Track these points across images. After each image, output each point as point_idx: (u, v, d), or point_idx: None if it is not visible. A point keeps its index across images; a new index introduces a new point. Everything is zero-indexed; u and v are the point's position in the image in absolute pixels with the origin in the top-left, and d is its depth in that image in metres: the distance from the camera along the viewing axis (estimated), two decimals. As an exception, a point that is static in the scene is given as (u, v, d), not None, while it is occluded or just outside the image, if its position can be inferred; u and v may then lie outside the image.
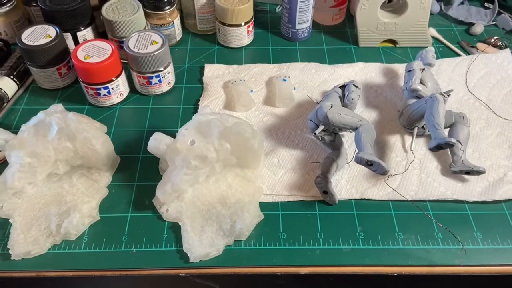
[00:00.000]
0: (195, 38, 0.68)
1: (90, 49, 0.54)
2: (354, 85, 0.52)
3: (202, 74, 0.62)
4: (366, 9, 0.62)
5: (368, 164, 0.42)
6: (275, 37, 0.68)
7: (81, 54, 0.53)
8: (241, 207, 0.45)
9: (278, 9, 0.73)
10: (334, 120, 0.47)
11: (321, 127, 0.48)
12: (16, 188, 0.44)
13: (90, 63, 0.52)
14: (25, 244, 0.43)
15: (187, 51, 0.66)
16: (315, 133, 0.48)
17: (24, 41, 0.54)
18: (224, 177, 0.49)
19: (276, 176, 0.50)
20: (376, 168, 0.42)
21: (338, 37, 0.68)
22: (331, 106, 0.48)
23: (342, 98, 0.52)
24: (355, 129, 0.47)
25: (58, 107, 0.49)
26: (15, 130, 0.54)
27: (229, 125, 0.47)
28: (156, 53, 0.54)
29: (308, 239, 0.45)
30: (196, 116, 0.48)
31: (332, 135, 0.50)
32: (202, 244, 0.43)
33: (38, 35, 0.55)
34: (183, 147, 0.46)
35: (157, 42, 0.55)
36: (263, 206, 0.47)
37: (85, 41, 0.55)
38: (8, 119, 0.56)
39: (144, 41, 0.55)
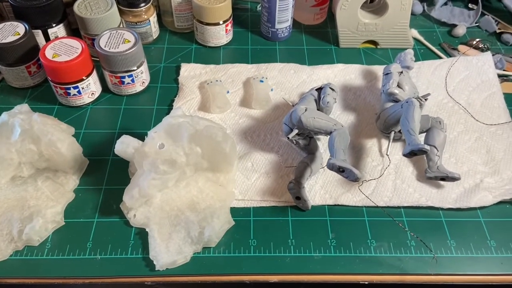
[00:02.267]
0: (172, 36, 0.66)
1: (59, 47, 0.52)
2: (330, 88, 0.51)
3: (178, 73, 0.60)
4: (346, 9, 0.60)
5: (340, 170, 0.41)
6: (255, 36, 0.67)
7: (49, 52, 0.51)
8: (211, 212, 0.44)
9: (258, 7, 0.72)
10: (308, 124, 0.46)
11: (295, 131, 0.47)
12: None
13: (58, 61, 0.50)
14: (-16, 249, 0.42)
15: (163, 50, 0.64)
16: (288, 137, 0.46)
17: (-9, 38, 0.52)
18: (195, 181, 0.47)
19: (249, 180, 0.49)
20: (348, 174, 0.41)
21: (319, 37, 0.67)
22: (306, 110, 0.47)
23: (318, 101, 0.51)
24: (329, 133, 0.46)
25: (23, 107, 0.47)
26: (-19, 130, 0.52)
27: (200, 128, 0.45)
28: (128, 52, 0.52)
29: (279, 246, 0.43)
30: (167, 118, 0.47)
31: (307, 139, 0.49)
32: (169, 252, 0.42)
33: (7, 32, 0.53)
34: (151, 150, 0.44)
35: (129, 41, 0.53)
36: (235, 211, 0.46)
37: (55, 38, 0.53)
38: (-26, 119, 0.54)
39: (116, 40, 0.53)
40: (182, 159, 0.44)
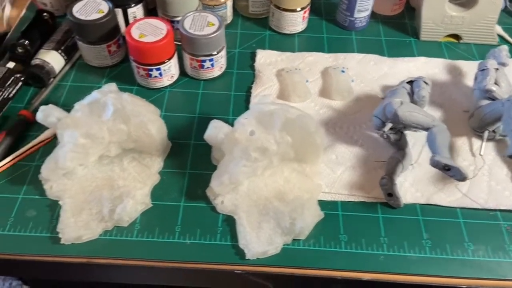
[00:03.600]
0: (245, 21, 0.65)
1: (145, 27, 0.51)
2: (424, 81, 0.49)
3: (253, 60, 0.59)
4: (434, 0, 0.58)
5: (445, 168, 0.40)
6: (329, 24, 0.65)
7: (135, 32, 0.50)
8: (301, 204, 0.43)
9: (332, -5, 0.69)
10: (404, 118, 0.44)
11: (389, 125, 0.45)
12: (68, 168, 0.42)
13: (145, 42, 0.49)
14: (76, 228, 0.41)
15: (237, 35, 0.63)
16: (383, 131, 0.45)
17: (76, 14, 0.52)
18: (281, 171, 0.46)
19: (335, 173, 0.47)
20: (454, 173, 0.39)
21: (397, 29, 0.64)
22: (401, 103, 0.45)
23: (411, 94, 0.49)
24: (426, 129, 0.44)
25: (111, 86, 0.47)
26: (62, 107, 0.52)
27: (292, 117, 0.44)
28: (212, 35, 0.51)
29: (371, 243, 0.42)
30: (257, 105, 0.45)
31: (398, 133, 0.47)
32: (259, 241, 0.41)
33: (90, 9, 0.52)
34: (242, 137, 0.43)
35: (213, 24, 0.52)
36: (322, 204, 0.45)
37: (139, 18, 0.52)
38: (55, 96, 0.54)
39: (200, 22, 0.52)
40: (273, 147, 0.43)
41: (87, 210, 0.43)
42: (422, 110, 0.45)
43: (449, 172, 0.40)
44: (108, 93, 0.45)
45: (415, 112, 0.44)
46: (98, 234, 0.42)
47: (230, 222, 0.43)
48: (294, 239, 0.42)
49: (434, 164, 0.40)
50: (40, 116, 0.44)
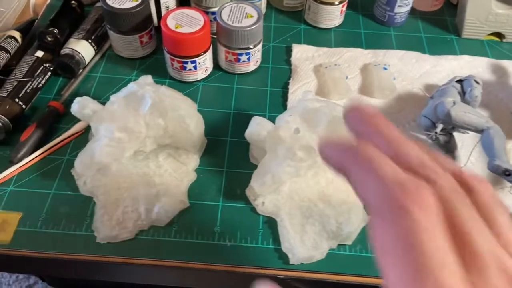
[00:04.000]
0: (279, 14, 0.62)
1: (181, 18, 0.49)
2: (475, 80, 0.46)
3: (288, 54, 0.57)
4: (481, -4, 0.55)
5: (506, 174, 0.37)
6: (366, 19, 0.62)
7: (171, 22, 0.48)
8: (348, 208, 0.41)
9: (368, -11, 0.67)
10: (457, 119, 0.42)
11: (440, 126, 0.43)
12: (103, 164, 0.40)
13: (182, 33, 0.47)
14: (111, 227, 0.39)
15: (271, 28, 0.60)
16: (435, 132, 0.42)
17: (109, 2, 0.49)
18: (323, 171, 0.44)
19: (380, 175, 0.45)
20: (515, 179, 0.37)
21: (437, 25, 0.62)
22: (454, 103, 0.43)
23: (462, 94, 0.46)
24: (479, 131, 0.42)
25: (147, 78, 0.45)
26: (93, 99, 0.50)
27: (338, 115, 0.42)
28: (251, 28, 0.49)
29: (420, 250, 0.40)
30: (301, 102, 0.43)
31: (447, 135, 0.45)
32: (304, 245, 0.39)
33: (124, -3, 0.50)
34: (286, 135, 0.41)
35: (252, 16, 0.50)
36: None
37: (174, 8, 0.50)
38: (85, 87, 0.52)
39: (238, 14, 0.50)
40: None
41: (123, 207, 0.41)
42: (475, 111, 0.43)
43: (509, 177, 0.37)
44: (145, 86, 0.43)
45: (468, 112, 0.42)
46: (135, 233, 0.40)
47: (271, 224, 0.41)
48: (339, 244, 0.40)
49: (494, 169, 0.38)
50: (75, 108, 0.42)
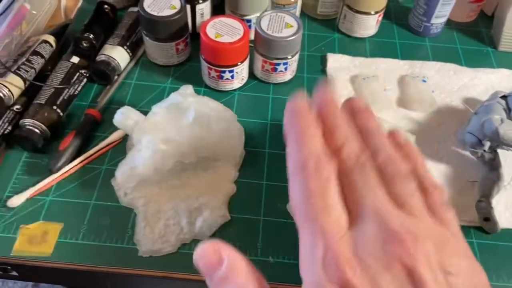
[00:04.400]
0: (312, 22, 0.62)
1: (220, 27, 0.48)
2: (520, 97, 0.46)
3: (323, 64, 0.56)
4: (523, 9, 0.54)
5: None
6: (401, 29, 0.61)
7: (211, 31, 0.48)
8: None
9: (401, -2, 0.66)
10: (506, 137, 0.41)
11: (488, 144, 0.42)
12: (145, 175, 0.40)
13: (222, 42, 0.47)
14: (153, 240, 0.39)
15: (305, 37, 0.60)
16: (484, 150, 0.42)
17: (147, 9, 0.49)
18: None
19: (423, 192, 0.44)
20: None
21: (472, 37, 0.61)
22: (502, 121, 0.42)
23: (507, 111, 0.45)
24: (527, 150, 0.41)
25: (188, 88, 0.44)
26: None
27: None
28: (291, 38, 0.48)
29: (467, 271, 0.39)
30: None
31: (492, 152, 0.44)
32: None
33: (162, 4, 0.50)
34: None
35: (292, 26, 0.49)
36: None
37: (213, 16, 0.49)
38: (120, 94, 0.51)
39: (278, 23, 0.49)
40: None
41: (164, 220, 0.40)
42: (523, 129, 0.42)
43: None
44: (188, 96, 0.42)
45: (517, 131, 0.41)
46: (177, 247, 0.39)
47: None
48: None
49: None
50: (118, 119, 0.41)
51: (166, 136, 0.40)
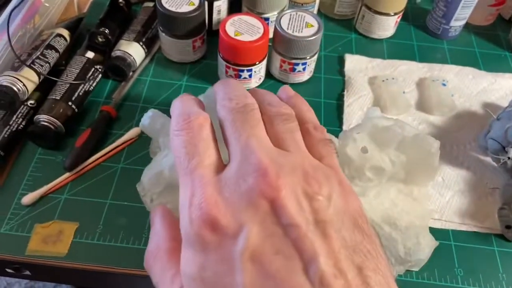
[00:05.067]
0: (328, 22, 0.61)
1: (240, 25, 0.47)
2: (543, 104, 0.45)
3: (341, 64, 0.55)
4: (544, 13, 0.53)
5: None
6: (418, 31, 0.61)
7: (230, 29, 0.47)
8: (416, 232, 0.39)
9: (418, 0, 0.65)
10: (531, 145, 0.40)
11: (511, 151, 0.41)
12: (172, 181, 0.38)
13: (242, 41, 0.46)
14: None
15: (322, 37, 0.58)
16: (508, 157, 0.41)
17: (165, 5, 0.48)
18: (387, 192, 0.42)
19: (444, 198, 0.43)
20: None
21: (490, 40, 0.60)
22: (526, 128, 0.41)
23: (530, 118, 0.45)
24: (551, 158, 0.41)
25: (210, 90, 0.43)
26: (144, 104, 0.49)
27: (409, 135, 0.40)
28: (312, 38, 0.47)
29: (489, 280, 0.39)
30: (368, 119, 0.42)
31: (514, 159, 0.43)
32: None
33: (180, 0, 0.49)
34: (354, 153, 0.40)
35: (312, 25, 0.48)
36: (432, 232, 0.41)
37: (233, 14, 0.48)
38: (135, 91, 0.50)
39: (298, 22, 0.48)
40: (389, 168, 0.39)
41: None
42: (548, 137, 0.41)
43: None
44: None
45: (542, 138, 0.40)
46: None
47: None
48: (406, 270, 0.39)
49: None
50: (146, 123, 0.39)
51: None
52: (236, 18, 0.48)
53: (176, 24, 0.49)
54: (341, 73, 0.54)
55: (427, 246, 0.39)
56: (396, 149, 0.40)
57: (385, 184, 0.42)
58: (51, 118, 0.43)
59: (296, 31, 0.48)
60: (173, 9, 0.48)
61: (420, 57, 0.57)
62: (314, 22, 0.49)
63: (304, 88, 0.52)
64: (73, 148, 0.42)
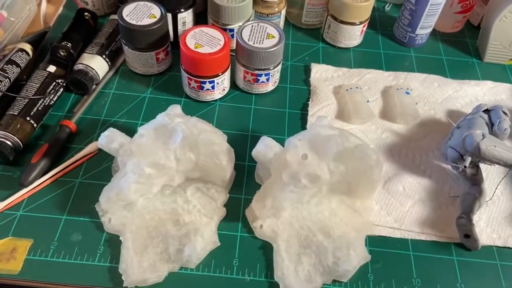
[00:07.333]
0: (296, 32, 0.61)
1: (200, 37, 0.47)
2: (503, 111, 0.45)
3: (307, 74, 0.55)
4: (507, 21, 0.54)
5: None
6: (386, 39, 0.61)
7: (190, 41, 0.47)
8: (347, 243, 0.39)
9: (387, 8, 0.65)
10: (487, 153, 0.40)
11: (469, 159, 0.41)
12: (131, 200, 0.38)
13: (201, 53, 0.46)
14: (141, 269, 0.37)
15: (289, 46, 0.59)
16: (464, 166, 0.41)
17: (126, 18, 0.48)
18: (328, 201, 0.42)
19: (404, 207, 0.43)
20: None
21: (457, 47, 0.60)
22: (483, 136, 0.41)
23: (489, 125, 0.45)
24: (509, 165, 0.41)
25: (176, 108, 0.43)
26: (106, 117, 0.48)
27: (350, 146, 0.40)
28: (273, 49, 0.47)
29: (447, 290, 0.38)
30: (313, 127, 0.41)
31: (474, 168, 0.43)
32: (297, 277, 0.37)
33: (141, 13, 0.49)
34: (293, 160, 0.39)
35: (273, 36, 0.48)
36: (391, 242, 0.41)
37: (194, 26, 0.48)
38: (98, 104, 0.50)
39: (260, 34, 0.48)
40: (326, 176, 0.39)
41: (152, 248, 0.38)
42: (504, 145, 0.41)
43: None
44: (176, 117, 0.41)
45: (498, 146, 0.40)
46: (164, 277, 0.37)
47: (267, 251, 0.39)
48: (334, 280, 0.38)
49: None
50: (103, 142, 0.39)
51: (153, 160, 0.38)
52: (198, 30, 0.48)
53: (137, 37, 0.48)
54: (307, 82, 0.54)
55: (356, 258, 0.38)
56: (336, 159, 0.39)
57: (327, 194, 0.42)
58: (8, 134, 0.43)
59: (257, 43, 0.48)
60: (134, 22, 0.48)
61: (387, 66, 0.57)
62: (275, 33, 0.49)
63: (269, 98, 0.52)
64: (29, 164, 0.42)
